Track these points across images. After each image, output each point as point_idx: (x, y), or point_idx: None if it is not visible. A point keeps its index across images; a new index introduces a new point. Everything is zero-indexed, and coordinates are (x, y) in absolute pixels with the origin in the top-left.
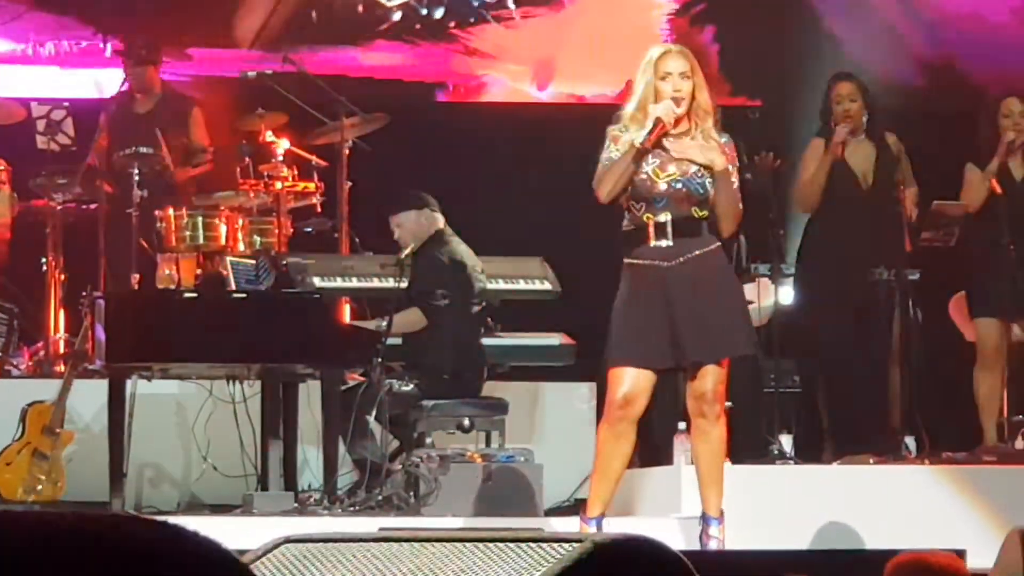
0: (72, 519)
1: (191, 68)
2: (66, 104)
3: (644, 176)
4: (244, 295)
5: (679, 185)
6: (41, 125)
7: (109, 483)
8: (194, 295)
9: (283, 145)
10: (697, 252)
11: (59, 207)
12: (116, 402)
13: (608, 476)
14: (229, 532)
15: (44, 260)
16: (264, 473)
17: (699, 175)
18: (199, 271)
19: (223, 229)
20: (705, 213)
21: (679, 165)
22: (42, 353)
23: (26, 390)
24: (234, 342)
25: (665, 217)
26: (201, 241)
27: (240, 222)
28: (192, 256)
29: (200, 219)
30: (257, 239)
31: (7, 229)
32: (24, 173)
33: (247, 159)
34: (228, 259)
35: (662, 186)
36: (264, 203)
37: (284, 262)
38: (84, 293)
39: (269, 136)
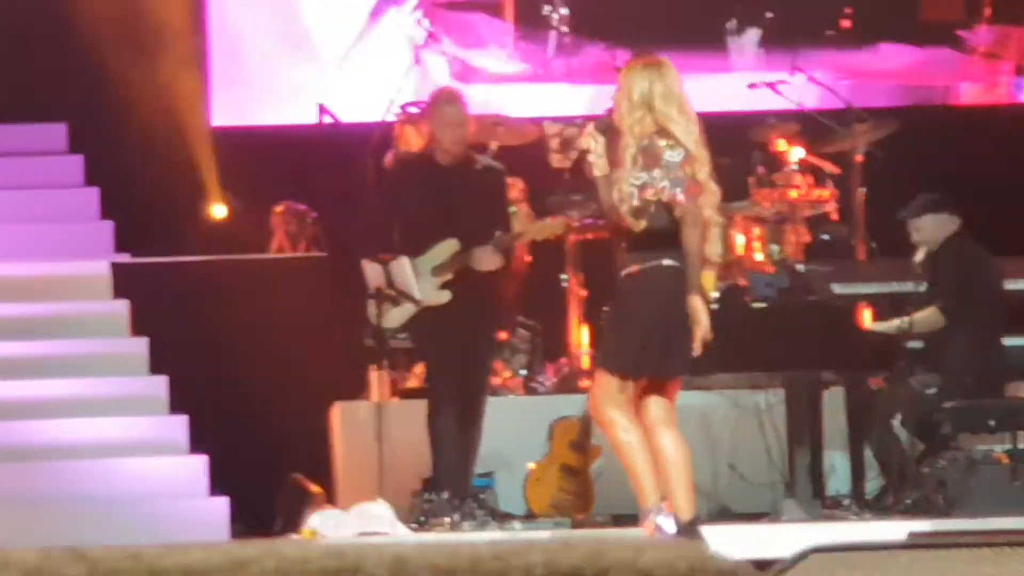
0: None
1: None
2: (578, 121)
3: None
4: (764, 304)
5: None
6: (555, 143)
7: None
8: (715, 306)
9: (797, 154)
10: None
11: (576, 224)
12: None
13: None
14: (757, 540)
15: (564, 277)
16: (791, 480)
17: None
18: (719, 282)
19: (740, 240)
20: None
21: None
22: (566, 369)
23: (552, 406)
24: (756, 351)
25: None
26: (719, 252)
27: (756, 232)
28: (711, 267)
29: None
30: (774, 248)
31: (527, 248)
32: (539, 191)
33: (760, 169)
34: (747, 269)
35: None
36: (779, 212)
37: (803, 270)
38: (605, 308)
39: (781, 145)
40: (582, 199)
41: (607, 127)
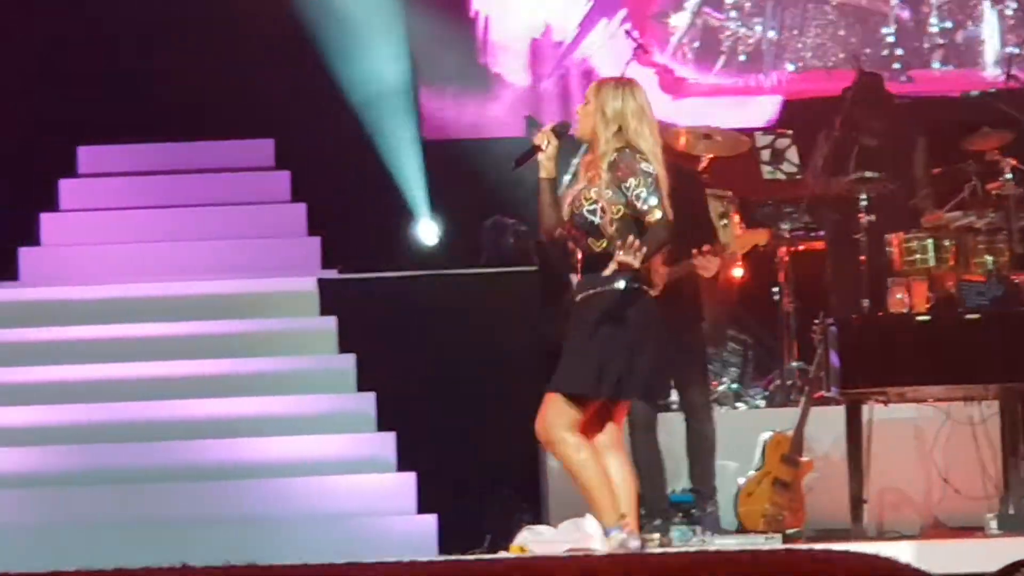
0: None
1: (911, 88)
2: (789, 132)
3: None
4: (976, 315)
5: None
6: (766, 155)
7: (850, 510)
8: (927, 318)
9: (1011, 163)
10: None
11: (787, 236)
12: (854, 428)
13: None
14: (969, 555)
15: (775, 289)
16: (1005, 494)
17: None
18: (930, 294)
19: (953, 250)
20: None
21: None
22: (777, 382)
23: (764, 420)
24: (969, 363)
25: None
26: (931, 263)
27: (969, 243)
28: (923, 279)
29: (930, 242)
30: (987, 259)
31: (739, 261)
32: (751, 203)
33: (974, 179)
34: (959, 280)
35: None
36: (992, 222)
37: (1015, 280)
38: (816, 321)
39: (995, 154)
40: (793, 211)
41: (564, 131)
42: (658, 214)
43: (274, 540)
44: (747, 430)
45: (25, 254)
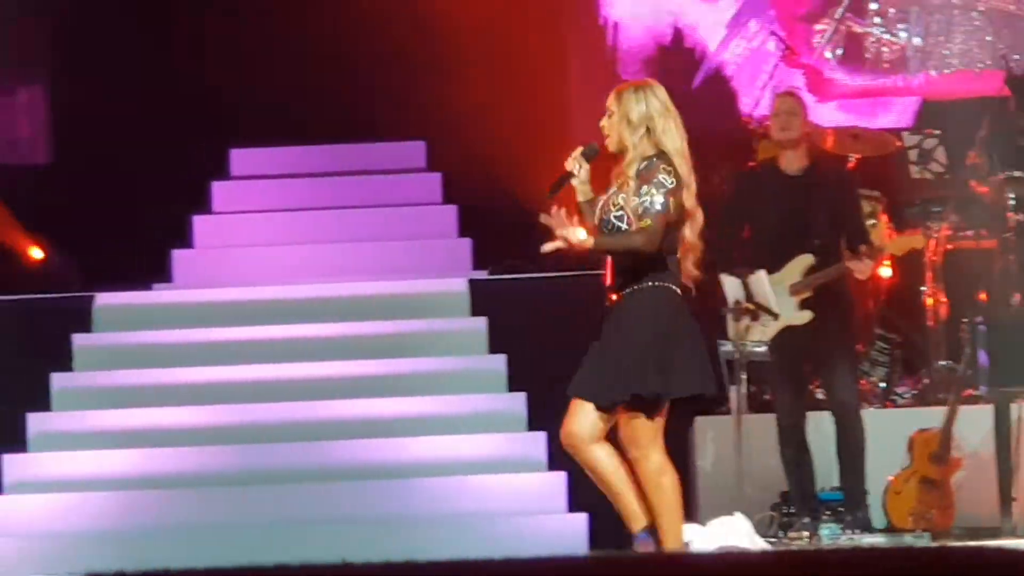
0: None
1: None
2: (937, 132)
3: None
4: None
5: None
6: (913, 155)
7: (999, 507)
8: None
9: None
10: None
11: (936, 235)
12: (1002, 427)
13: None
14: None
15: (923, 288)
16: None
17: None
18: None
19: None
20: None
21: None
22: (926, 381)
23: (911, 418)
24: None
25: None
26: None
27: None
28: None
29: None
30: None
31: (887, 262)
32: (899, 204)
33: None
34: None
35: None
36: None
37: None
38: (965, 319)
39: None
40: (941, 210)
41: (594, 154)
42: (647, 222)
43: (426, 539)
44: (895, 429)
45: (178, 256)
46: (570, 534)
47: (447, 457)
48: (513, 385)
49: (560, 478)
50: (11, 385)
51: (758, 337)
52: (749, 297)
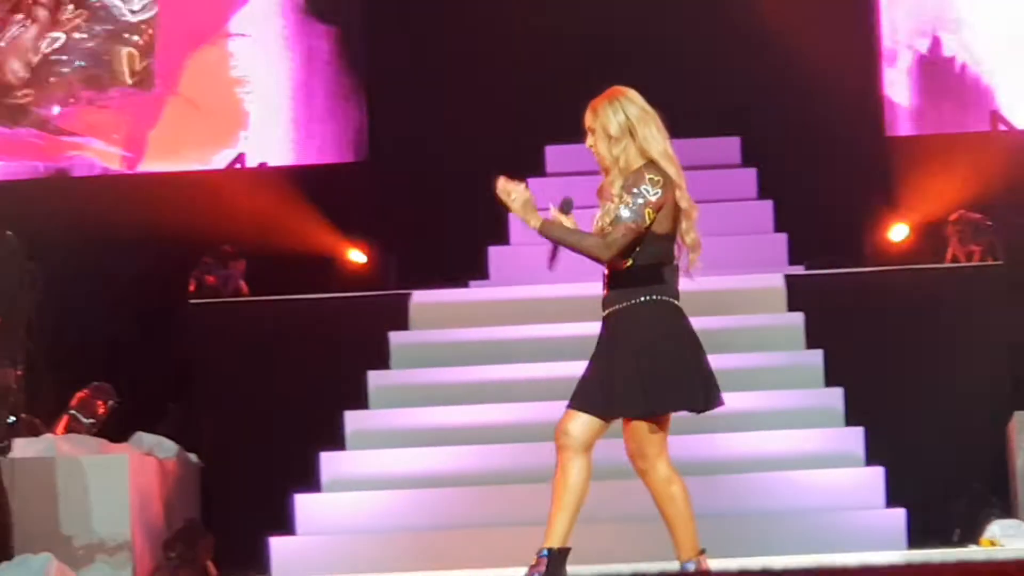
0: None
1: None
2: None
3: None
4: None
5: None
6: None
7: None
8: None
9: None
10: None
11: None
12: None
13: None
14: None
15: None
16: None
17: None
18: None
19: None
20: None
21: None
22: None
23: None
24: None
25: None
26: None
27: None
28: None
29: None
30: None
31: None
32: None
33: None
34: None
35: None
36: None
37: None
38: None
39: None
40: None
41: (569, 208)
42: (609, 230)
43: (746, 534)
44: None
45: (495, 253)
46: (888, 529)
47: (765, 452)
48: (830, 380)
49: (878, 473)
50: (330, 383)
51: None
52: None
